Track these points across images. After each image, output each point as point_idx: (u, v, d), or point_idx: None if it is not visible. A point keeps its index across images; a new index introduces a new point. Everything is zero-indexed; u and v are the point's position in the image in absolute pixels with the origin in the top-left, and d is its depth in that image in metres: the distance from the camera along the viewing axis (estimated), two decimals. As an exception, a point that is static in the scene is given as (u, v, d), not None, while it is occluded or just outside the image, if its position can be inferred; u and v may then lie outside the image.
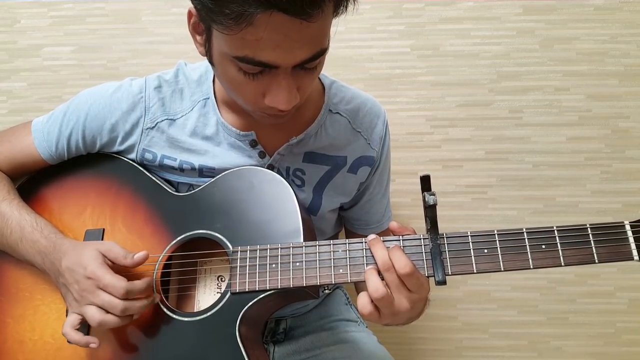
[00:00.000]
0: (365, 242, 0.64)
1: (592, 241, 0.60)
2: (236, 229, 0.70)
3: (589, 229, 0.61)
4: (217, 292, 0.76)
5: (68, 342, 0.66)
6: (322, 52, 0.60)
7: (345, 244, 0.66)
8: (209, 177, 0.76)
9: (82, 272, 0.64)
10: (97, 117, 0.76)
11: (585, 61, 1.15)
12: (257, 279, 0.66)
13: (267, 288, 0.66)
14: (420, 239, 0.64)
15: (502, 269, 0.61)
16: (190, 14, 0.63)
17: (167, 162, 0.77)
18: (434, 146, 1.19)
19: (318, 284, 0.65)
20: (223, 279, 0.77)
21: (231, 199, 0.72)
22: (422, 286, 0.61)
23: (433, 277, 0.62)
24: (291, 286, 0.65)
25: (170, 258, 0.73)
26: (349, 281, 0.64)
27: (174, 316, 0.69)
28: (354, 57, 1.17)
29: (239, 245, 0.69)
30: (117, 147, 0.78)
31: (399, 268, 0.59)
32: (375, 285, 0.59)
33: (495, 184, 1.20)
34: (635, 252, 0.59)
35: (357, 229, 0.92)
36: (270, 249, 0.67)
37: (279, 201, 0.71)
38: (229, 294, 0.67)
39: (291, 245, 0.67)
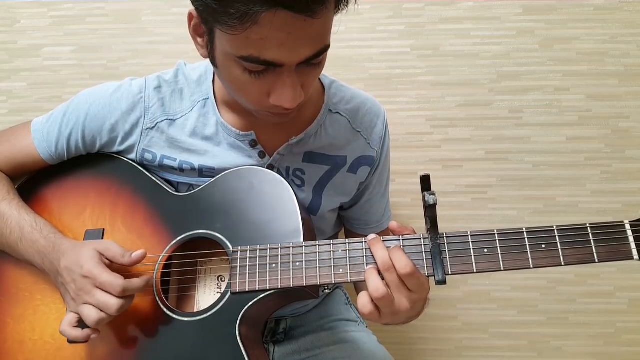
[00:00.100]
0: (365, 242, 0.64)
1: (592, 241, 0.60)
2: (236, 229, 0.70)
3: (588, 228, 0.61)
4: (217, 292, 0.76)
5: (68, 341, 0.66)
6: (325, 49, 0.60)
7: (345, 243, 0.65)
8: (208, 177, 0.76)
9: (79, 271, 0.64)
10: (97, 117, 0.76)
11: (585, 61, 1.15)
12: (257, 279, 0.66)
13: (267, 288, 0.66)
14: (420, 238, 0.64)
15: (502, 269, 0.61)
16: (190, 16, 0.63)
17: (166, 162, 0.77)
18: (434, 146, 1.19)
19: (318, 283, 0.65)
20: (223, 279, 0.77)
21: (231, 199, 0.72)
22: (423, 286, 0.61)
23: (433, 277, 0.62)
24: (291, 286, 0.65)
25: (170, 258, 0.73)
26: (349, 281, 0.64)
27: (174, 316, 0.69)
28: (354, 57, 1.17)
29: (239, 245, 0.69)
30: (116, 147, 0.78)
31: (399, 268, 0.59)
32: (375, 284, 0.59)
33: (495, 184, 1.20)
34: (635, 252, 0.59)
35: (356, 229, 0.92)
36: (270, 249, 0.67)
37: (279, 201, 0.71)
38: (229, 294, 0.67)
39: (291, 245, 0.67)
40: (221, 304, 0.67)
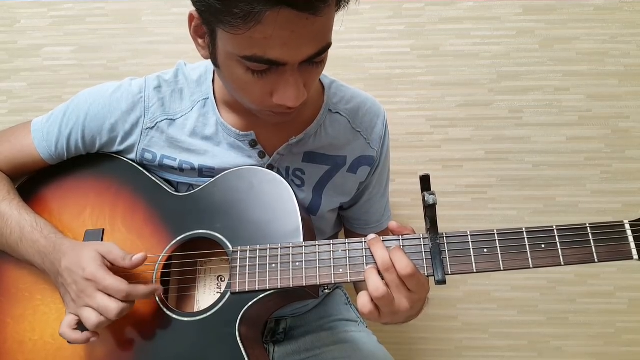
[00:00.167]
0: (365, 242, 0.64)
1: (591, 240, 0.60)
2: (236, 229, 0.70)
3: (588, 228, 0.61)
4: (217, 292, 0.76)
5: (68, 342, 0.66)
6: (327, 47, 0.61)
7: (345, 243, 0.65)
8: (208, 177, 0.76)
9: (81, 273, 0.64)
10: (97, 117, 0.76)
11: (585, 61, 1.15)
12: (257, 279, 0.66)
13: (267, 288, 0.66)
14: (420, 238, 0.64)
15: (502, 269, 0.61)
16: (191, 17, 0.63)
17: (166, 162, 0.77)
18: (434, 146, 1.19)
19: (318, 283, 0.65)
20: (223, 279, 0.77)
21: (231, 199, 0.72)
22: (423, 286, 0.61)
23: (433, 277, 0.62)
24: (291, 286, 0.65)
25: (170, 258, 0.73)
26: (349, 281, 0.64)
27: (174, 316, 0.69)
28: (354, 57, 1.17)
29: (238, 245, 0.69)
30: (116, 147, 0.78)
31: (400, 269, 0.59)
32: (375, 284, 0.59)
33: (495, 184, 1.20)
34: (634, 252, 0.59)
35: (356, 229, 0.92)
36: (270, 248, 0.67)
37: (278, 201, 0.71)
38: (228, 294, 0.67)
39: (291, 245, 0.67)
40: (221, 304, 0.67)
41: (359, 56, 1.17)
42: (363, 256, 0.64)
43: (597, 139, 1.17)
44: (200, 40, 0.65)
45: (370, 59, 1.17)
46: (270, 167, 0.77)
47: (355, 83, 1.14)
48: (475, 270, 0.61)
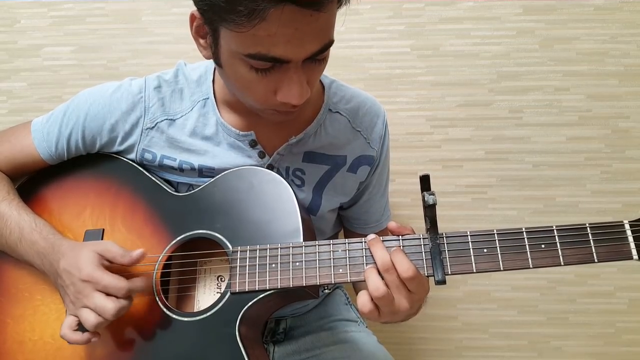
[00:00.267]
0: (365, 242, 0.64)
1: (591, 240, 0.60)
2: (236, 229, 0.70)
3: (588, 228, 0.61)
4: (217, 292, 0.76)
5: (69, 343, 0.66)
6: (330, 44, 0.61)
7: (345, 243, 0.65)
8: (208, 177, 0.76)
9: (78, 274, 0.64)
10: (97, 117, 0.76)
11: (585, 61, 1.14)
12: (257, 279, 0.66)
13: (267, 288, 0.66)
14: (419, 238, 0.64)
15: (502, 269, 0.61)
16: (192, 18, 0.63)
17: (166, 162, 0.77)
18: (434, 146, 1.19)
19: (318, 283, 0.65)
20: (223, 279, 0.77)
21: (231, 199, 0.72)
22: (423, 287, 0.62)
23: (433, 277, 0.62)
24: (291, 286, 0.65)
25: (170, 258, 0.73)
26: (349, 281, 0.64)
27: (174, 316, 0.69)
28: (354, 57, 1.17)
29: (238, 245, 0.69)
30: (116, 147, 0.78)
31: (401, 271, 0.59)
32: (375, 284, 0.59)
33: (495, 184, 1.20)
34: (634, 252, 0.59)
35: (356, 228, 0.92)
36: (270, 248, 0.67)
37: (278, 201, 0.71)
38: (228, 294, 0.67)
39: (291, 245, 0.67)
40: (221, 304, 0.67)
41: (359, 56, 1.17)
42: (363, 256, 0.64)
43: (597, 139, 1.17)
44: (201, 41, 0.65)
45: (370, 59, 1.17)
46: (270, 167, 0.77)
47: (355, 83, 1.14)
48: (475, 270, 0.61)
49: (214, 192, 0.74)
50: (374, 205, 0.90)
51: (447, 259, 0.62)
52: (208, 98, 0.76)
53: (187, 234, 0.72)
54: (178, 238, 0.72)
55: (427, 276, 0.62)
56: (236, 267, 0.67)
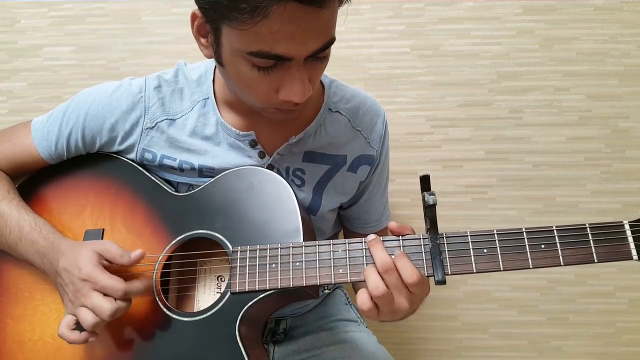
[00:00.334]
0: (365, 242, 0.65)
1: (591, 241, 0.60)
2: (236, 229, 0.70)
3: (588, 228, 0.61)
4: (217, 292, 0.76)
5: (67, 342, 0.66)
6: (331, 42, 0.61)
7: (345, 243, 0.65)
8: (208, 177, 0.76)
9: (77, 273, 0.64)
10: (97, 117, 0.76)
11: (585, 61, 1.14)
12: (257, 279, 0.66)
13: (267, 288, 0.66)
14: (419, 238, 0.64)
15: (502, 269, 0.61)
16: (194, 17, 0.63)
17: (166, 162, 0.77)
18: (434, 146, 1.19)
19: (318, 283, 0.65)
20: (223, 279, 0.77)
21: (231, 198, 0.72)
22: (424, 289, 0.62)
23: (433, 277, 0.62)
24: (291, 286, 0.65)
25: (169, 258, 0.73)
26: (349, 281, 0.64)
27: (174, 316, 0.69)
28: (354, 57, 1.17)
29: (238, 245, 0.69)
30: (116, 147, 0.78)
31: (405, 277, 0.59)
32: (375, 283, 0.60)
33: (495, 184, 1.20)
34: (634, 252, 0.59)
35: (355, 228, 0.92)
36: (270, 248, 0.67)
37: (278, 201, 0.71)
38: (228, 294, 0.67)
39: (291, 245, 0.67)
40: (221, 304, 0.67)
41: (359, 56, 1.17)
42: (363, 256, 0.64)
43: (597, 139, 1.17)
44: (203, 40, 0.65)
45: (370, 59, 1.17)
46: (270, 167, 0.77)
47: (355, 83, 1.14)
48: (475, 271, 0.61)
49: (214, 192, 0.74)
50: (373, 204, 0.90)
51: (447, 259, 0.62)
52: (208, 98, 0.76)
53: (187, 234, 0.72)
54: (178, 238, 0.72)
55: (427, 276, 0.62)
56: (236, 267, 0.67)
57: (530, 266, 0.61)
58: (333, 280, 0.65)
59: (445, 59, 1.16)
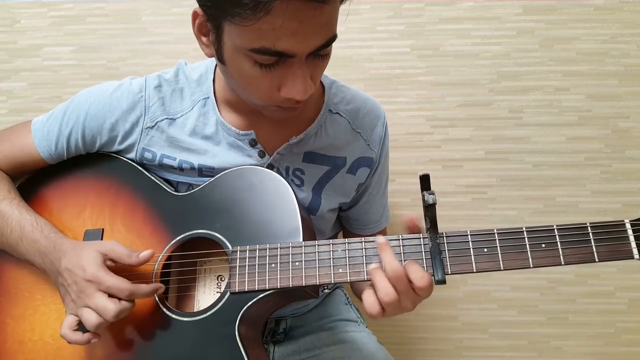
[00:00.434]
0: (365, 241, 0.65)
1: (592, 240, 0.60)
2: (235, 229, 0.70)
3: (589, 227, 0.60)
4: (217, 292, 0.76)
5: (69, 343, 0.66)
6: (333, 39, 0.61)
7: (345, 243, 0.65)
8: (208, 176, 0.76)
9: (81, 274, 0.64)
10: (97, 117, 0.75)
11: (585, 61, 1.14)
12: (257, 278, 0.66)
13: (267, 288, 0.66)
14: (420, 238, 0.64)
15: (502, 268, 0.61)
16: (195, 15, 0.63)
17: (166, 161, 0.77)
18: (434, 146, 1.19)
19: (317, 283, 0.65)
20: (223, 279, 0.77)
21: (230, 198, 0.72)
22: (430, 290, 0.62)
23: (433, 277, 0.62)
24: (290, 286, 0.65)
25: (169, 258, 0.73)
26: (348, 281, 0.64)
27: (174, 316, 0.69)
28: (354, 57, 1.17)
29: (238, 245, 0.69)
30: (116, 147, 0.78)
31: (415, 279, 0.59)
32: (385, 289, 0.60)
33: (495, 184, 1.20)
34: (635, 251, 0.59)
35: (355, 229, 0.92)
36: (269, 248, 0.67)
37: (278, 201, 0.71)
38: (228, 293, 0.67)
39: (290, 244, 0.67)
40: (220, 304, 0.67)
41: (359, 56, 1.17)
42: (363, 256, 0.64)
43: (597, 139, 1.17)
44: (204, 39, 0.65)
45: (370, 59, 1.17)
46: (270, 166, 0.77)
47: (355, 83, 1.14)
48: (475, 270, 0.61)
49: (214, 191, 0.74)
50: (373, 206, 0.89)
51: (447, 259, 0.62)
52: (208, 97, 0.76)
53: (187, 233, 0.72)
54: (178, 238, 0.72)
55: (428, 276, 0.63)
56: (236, 267, 0.67)
57: (531, 265, 0.60)
58: (332, 280, 0.65)
59: (445, 59, 1.16)
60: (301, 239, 0.67)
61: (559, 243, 0.60)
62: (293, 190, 0.71)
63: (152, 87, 0.76)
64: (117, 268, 0.66)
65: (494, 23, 1.14)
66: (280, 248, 0.67)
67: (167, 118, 0.76)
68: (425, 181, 0.60)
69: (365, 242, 0.65)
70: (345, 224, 0.94)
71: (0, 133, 0.81)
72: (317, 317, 0.95)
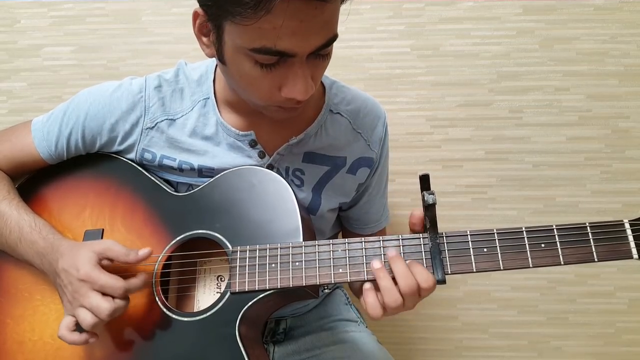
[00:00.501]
0: (365, 241, 0.65)
1: (591, 240, 0.60)
2: (235, 229, 0.70)
3: (588, 227, 0.61)
4: (217, 292, 0.76)
5: (67, 343, 0.66)
6: (334, 39, 0.61)
7: (345, 243, 0.65)
8: (208, 177, 0.76)
9: (75, 274, 0.64)
10: (97, 117, 0.75)
11: (585, 61, 1.15)
12: (257, 278, 0.66)
13: (267, 288, 0.66)
14: (419, 238, 0.64)
15: (502, 268, 0.61)
16: (195, 15, 0.63)
17: (166, 162, 0.77)
18: (434, 146, 1.19)
19: (317, 283, 0.65)
20: (223, 279, 0.77)
21: (230, 198, 0.72)
22: (432, 291, 0.62)
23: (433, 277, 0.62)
24: (291, 286, 0.65)
25: (169, 258, 0.73)
26: (348, 281, 0.64)
27: (174, 316, 0.69)
28: (354, 57, 1.17)
29: (238, 245, 0.69)
30: (116, 147, 0.78)
31: (421, 281, 0.60)
32: (393, 297, 0.60)
33: (495, 184, 1.20)
34: (634, 251, 0.59)
35: (355, 229, 0.92)
36: (269, 248, 0.67)
37: (278, 201, 0.71)
38: (228, 293, 0.67)
39: (290, 244, 0.67)
40: (221, 304, 0.67)
41: (359, 56, 1.17)
42: (363, 256, 0.64)
43: (597, 139, 1.17)
44: (204, 39, 0.65)
45: (370, 59, 1.17)
46: (270, 167, 0.77)
47: (355, 83, 1.14)
48: (475, 270, 0.62)
49: (214, 191, 0.74)
50: (373, 206, 0.90)
51: (447, 259, 0.62)
52: (208, 98, 0.76)
53: (187, 234, 0.72)
54: (178, 238, 0.72)
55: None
56: (236, 267, 0.67)
57: (530, 265, 0.61)
58: (333, 280, 0.65)
59: (445, 59, 1.16)
60: (301, 239, 0.67)
61: (558, 243, 0.61)
62: (293, 190, 0.71)
63: (152, 88, 0.76)
64: (117, 269, 0.66)
65: (494, 23, 1.14)
66: (281, 248, 0.67)
67: (167, 118, 0.76)
68: (425, 181, 0.60)
69: (365, 242, 0.65)
70: (345, 223, 0.94)
71: (0, 133, 0.81)
72: (317, 317, 0.95)
